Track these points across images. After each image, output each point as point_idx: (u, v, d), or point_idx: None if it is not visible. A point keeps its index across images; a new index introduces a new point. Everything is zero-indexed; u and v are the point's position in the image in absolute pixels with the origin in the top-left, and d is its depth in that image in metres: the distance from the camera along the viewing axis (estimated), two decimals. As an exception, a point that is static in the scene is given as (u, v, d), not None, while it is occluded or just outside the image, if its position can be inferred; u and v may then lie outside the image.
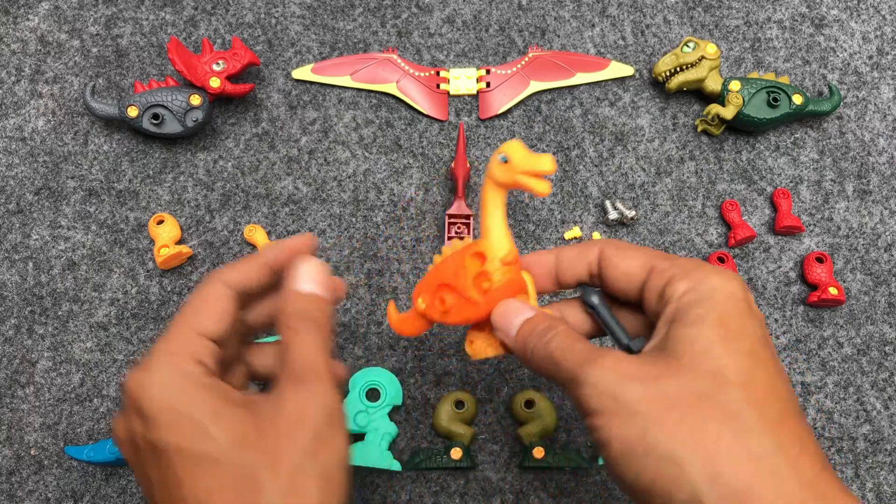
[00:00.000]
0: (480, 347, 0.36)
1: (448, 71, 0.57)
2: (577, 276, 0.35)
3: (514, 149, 0.32)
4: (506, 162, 0.32)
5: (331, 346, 0.33)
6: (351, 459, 0.31)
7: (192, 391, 0.29)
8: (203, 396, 0.29)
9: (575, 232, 0.53)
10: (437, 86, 0.57)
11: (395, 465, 0.47)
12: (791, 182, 0.55)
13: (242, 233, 0.54)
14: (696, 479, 0.25)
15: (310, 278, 0.34)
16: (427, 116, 0.57)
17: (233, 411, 0.29)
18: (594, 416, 0.28)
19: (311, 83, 0.58)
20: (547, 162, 0.31)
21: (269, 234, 0.54)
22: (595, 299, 0.33)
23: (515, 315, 0.33)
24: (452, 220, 0.52)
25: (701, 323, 0.28)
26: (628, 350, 0.32)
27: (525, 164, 0.31)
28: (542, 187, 0.31)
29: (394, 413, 0.50)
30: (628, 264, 0.32)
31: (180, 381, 0.29)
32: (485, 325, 0.35)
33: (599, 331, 0.35)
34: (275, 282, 0.34)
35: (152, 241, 0.54)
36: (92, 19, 0.60)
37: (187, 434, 0.28)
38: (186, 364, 0.30)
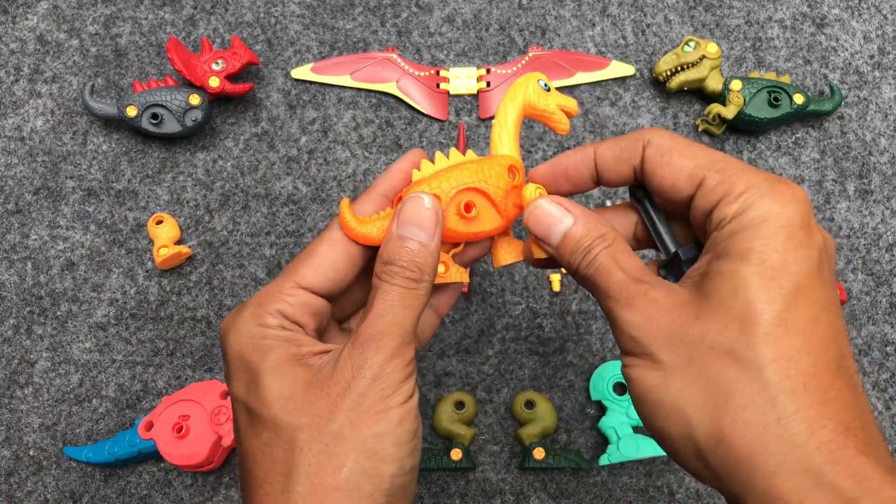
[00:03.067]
0: (503, 255, 0.33)
1: (448, 70, 0.57)
2: (621, 177, 0.31)
3: (547, 79, 0.33)
4: (547, 90, 0.32)
5: (420, 305, 0.29)
6: (412, 441, 0.28)
7: (261, 342, 0.29)
8: (269, 349, 0.28)
9: (575, 232, 0.53)
10: (437, 85, 0.57)
11: (395, 466, 0.47)
12: (792, 181, 0.55)
13: (241, 232, 0.54)
14: (702, 439, 0.25)
15: (408, 220, 0.29)
16: (427, 116, 0.57)
17: (292, 368, 0.28)
18: (622, 354, 0.28)
19: (311, 83, 0.58)
20: (574, 102, 0.33)
21: (267, 233, 0.54)
22: (641, 195, 0.31)
23: (557, 223, 0.30)
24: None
25: (740, 259, 0.25)
26: (676, 258, 0.29)
27: (561, 99, 0.33)
28: (567, 123, 0.33)
29: (394, 414, 0.50)
30: (674, 175, 0.29)
31: (252, 331, 0.29)
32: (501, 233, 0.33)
33: (649, 240, 0.32)
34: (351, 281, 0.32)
35: (151, 241, 0.54)
36: (91, 19, 0.60)
37: (245, 385, 0.28)
38: (267, 315, 0.29)
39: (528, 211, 0.31)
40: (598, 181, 0.32)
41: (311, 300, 0.30)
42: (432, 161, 0.32)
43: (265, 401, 0.27)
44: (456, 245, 0.33)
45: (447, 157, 0.32)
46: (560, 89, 0.57)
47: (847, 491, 0.23)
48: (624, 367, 0.28)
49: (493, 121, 0.33)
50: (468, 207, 0.30)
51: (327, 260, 0.30)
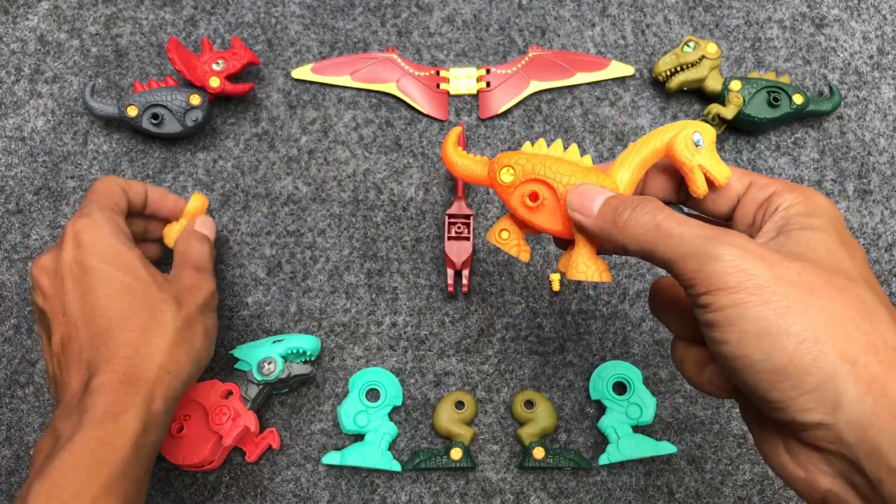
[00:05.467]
0: (579, 268, 0.33)
1: (448, 70, 0.57)
2: (663, 191, 0.34)
3: (710, 133, 0.32)
4: (699, 147, 0.31)
5: (213, 263, 0.48)
6: (213, 338, 0.44)
7: (125, 239, 0.42)
8: (131, 245, 0.43)
9: (575, 232, 0.53)
10: (437, 85, 0.57)
11: (395, 466, 0.47)
12: (792, 182, 0.55)
13: (242, 232, 0.54)
14: (835, 361, 0.25)
15: (203, 226, 0.49)
16: (427, 116, 0.57)
17: (149, 264, 0.43)
18: (725, 292, 0.27)
19: (311, 83, 0.58)
20: (726, 172, 0.32)
21: (268, 233, 0.54)
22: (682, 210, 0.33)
23: (599, 192, 0.32)
24: (452, 220, 0.52)
25: (821, 230, 0.29)
26: None
27: (712, 162, 0.31)
28: (703, 189, 0.32)
29: (394, 413, 0.50)
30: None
31: (117, 230, 0.42)
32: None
33: None
34: (140, 211, 0.48)
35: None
36: (91, 19, 0.60)
37: (117, 263, 0.41)
38: (119, 222, 0.43)
39: (571, 191, 0.33)
40: (642, 191, 0.35)
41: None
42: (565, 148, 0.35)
43: (140, 279, 0.43)
44: (524, 227, 0.36)
45: (566, 150, 0.35)
46: (560, 89, 0.57)
47: None
48: (721, 309, 0.27)
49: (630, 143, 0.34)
50: (533, 197, 0.33)
51: (123, 195, 0.46)
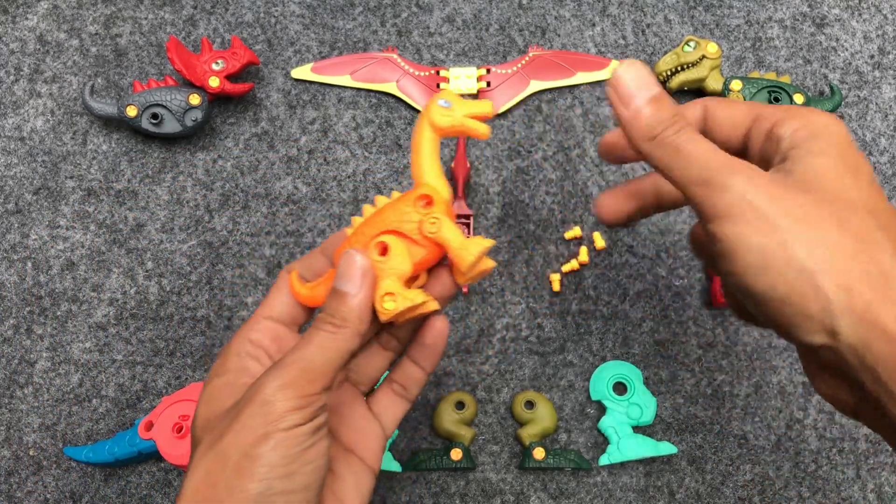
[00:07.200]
0: (457, 275, 0.34)
1: (448, 70, 0.57)
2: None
3: (453, 95, 0.33)
4: (449, 107, 0.33)
5: (337, 348, 0.31)
6: (289, 465, 0.29)
7: (220, 369, 0.33)
8: (219, 375, 0.33)
9: (576, 232, 0.53)
10: (438, 85, 0.57)
11: (395, 466, 0.47)
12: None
13: (241, 232, 0.54)
14: (831, 290, 0.26)
15: (340, 274, 0.32)
16: (427, 116, 0.57)
17: (224, 397, 0.32)
18: (729, 222, 0.28)
19: (311, 83, 0.58)
20: (487, 105, 0.33)
21: (267, 233, 0.54)
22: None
23: (644, 86, 0.31)
24: (452, 220, 0.51)
25: (823, 154, 0.29)
26: None
27: (469, 107, 0.33)
28: (484, 129, 0.33)
29: (394, 413, 0.50)
30: (733, 112, 0.33)
31: (219, 363, 0.34)
32: (413, 275, 0.33)
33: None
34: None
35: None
36: (91, 18, 0.60)
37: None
38: (239, 343, 0.34)
39: (614, 74, 0.32)
40: None
41: (273, 326, 0.34)
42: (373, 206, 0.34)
43: (195, 423, 0.32)
44: (413, 279, 0.34)
45: (373, 204, 0.34)
46: (561, 89, 0.57)
47: None
48: (728, 239, 0.28)
49: (410, 154, 0.35)
50: (382, 251, 0.32)
51: (284, 294, 0.35)
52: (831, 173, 0.29)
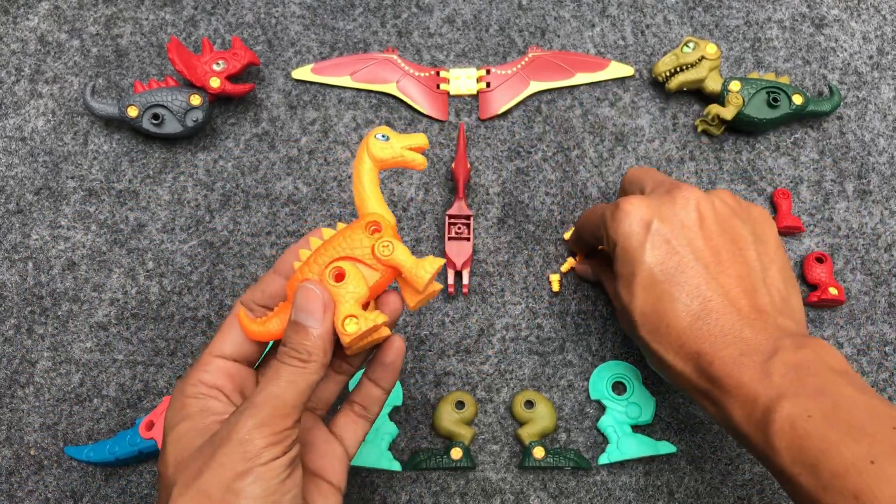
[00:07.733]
0: (408, 298, 0.36)
1: (448, 71, 0.57)
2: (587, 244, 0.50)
3: (388, 129, 0.35)
4: (387, 140, 0.34)
5: (304, 382, 0.32)
6: (271, 497, 0.30)
7: (179, 413, 0.34)
8: (182, 419, 0.33)
9: (575, 232, 0.53)
10: (437, 86, 0.57)
11: (395, 466, 0.47)
12: (791, 182, 0.55)
13: (242, 232, 0.54)
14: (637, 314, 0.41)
15: (300, 307, 0.33)
16: (427, 116, 0.57)
17: (191, 434, 0.32)
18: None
19: (311, 83, 0.58)
20: (422, 138, 0.36)
21: (268, 233, 0.54)
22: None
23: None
24: (452, 221, 0.52)
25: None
26: None
27: (405, 140, 0.35)
28: (421, 160, 0.35)
29: (394, 413, 0.50)
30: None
31: (174, 405, 0.34)
32: (367, 300, 0.35)
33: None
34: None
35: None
36: (92, 19, 0.60)
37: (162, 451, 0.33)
38: (188, 386, 0.34)
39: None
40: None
41: (225, 365, 0.35)
42: (321, 238, 0.36)
43: (165, 464, 0.32)
44: (366, 305, 0.35)
45: (321, 237, 0.36)
46: (560, 89, 0.57)
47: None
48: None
49: (352, 187, 0.36)
50: (337, 278, 0.34)
51: (234, 330, 0.36)
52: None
